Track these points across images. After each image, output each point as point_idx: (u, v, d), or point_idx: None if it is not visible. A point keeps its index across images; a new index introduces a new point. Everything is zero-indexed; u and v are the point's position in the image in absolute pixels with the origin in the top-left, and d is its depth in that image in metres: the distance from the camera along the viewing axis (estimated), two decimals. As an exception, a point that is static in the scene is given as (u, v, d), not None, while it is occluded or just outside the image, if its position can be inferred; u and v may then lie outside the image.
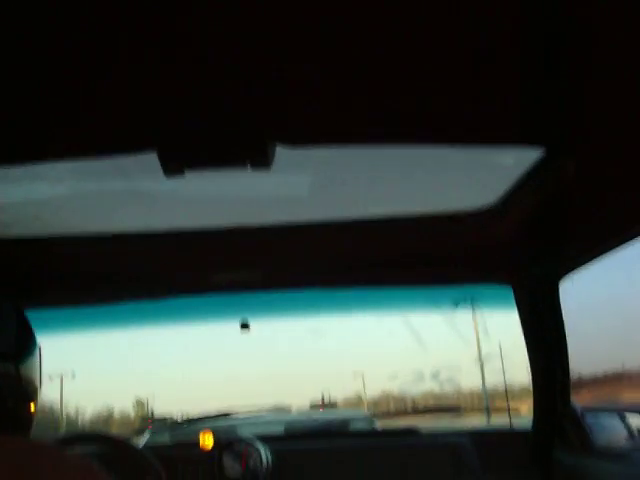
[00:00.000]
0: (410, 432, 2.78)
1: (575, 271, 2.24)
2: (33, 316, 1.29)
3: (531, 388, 2.56)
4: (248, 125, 1.32)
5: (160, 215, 1.94)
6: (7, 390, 1.14)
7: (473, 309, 2.60)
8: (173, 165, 1.38)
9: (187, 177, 1.45)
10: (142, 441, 3.03)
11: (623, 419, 2.57)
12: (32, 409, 1.22)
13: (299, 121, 1.34)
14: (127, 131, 1.34)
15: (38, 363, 1.24)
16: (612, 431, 2.51)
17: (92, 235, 1.94)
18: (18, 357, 1.17)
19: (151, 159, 1.36)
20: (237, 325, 2.58)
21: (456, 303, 2.62)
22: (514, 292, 2.48)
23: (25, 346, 1.21)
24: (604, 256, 2.05)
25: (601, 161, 1.53)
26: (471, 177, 1.83)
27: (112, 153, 1.40)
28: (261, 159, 1.36)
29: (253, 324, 2.60)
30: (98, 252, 2.05)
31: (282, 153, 1.39)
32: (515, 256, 2.31)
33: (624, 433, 2.52)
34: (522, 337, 2.51)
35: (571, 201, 1.80)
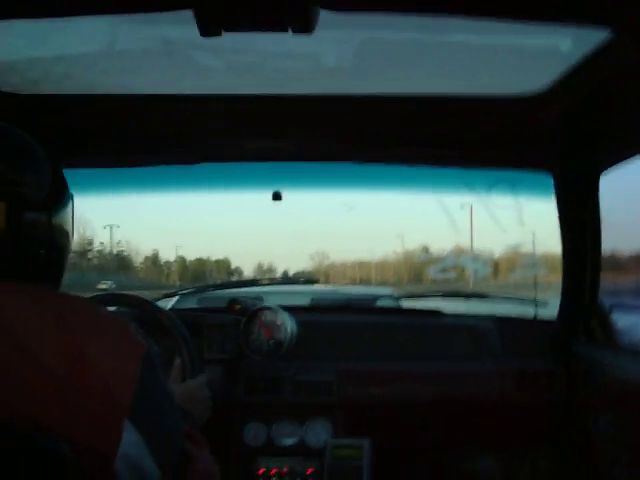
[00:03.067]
0: (435, 313, 2.80)
1: (618, 164, 2.17)
2: (73, 174, 1.28)
3: (560, 280, 2.55)
4: None
5: (196, 79, 1.89)
6: (39, 239, 1.14)
7: (511, 194, 2.55)
8: (211, 24, 1.32)
9: (225, 39, 1.39)
10: (170, 304, 3.09)
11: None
12: (63, 260, 1.22)
13: None
14: None
15: (71, 216, 1.24)
16: (638, 328, 2.51)
17: (126, 95, 1.90)
18: (51, 207, 1.16)
19: (188, 17, 1.30)
20: (269, 195, 2.56)
21: (493, 187, 2.57)
22: (554, 180, 2.43)
23: (58, 197, 1.19)
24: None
25: None
26: (522, 59, 1.77)
27: (149, 9, 1.34)
28: (303, 23, 1.29)
29: (285, 195, 2.58)
30: (131, 113, 2.02)
31: (326, 18, 1.31)
32: (559, 144, 2.26)
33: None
34: (557, 227, 2.48)
35: (621, 90, 1.72)
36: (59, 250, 1.20)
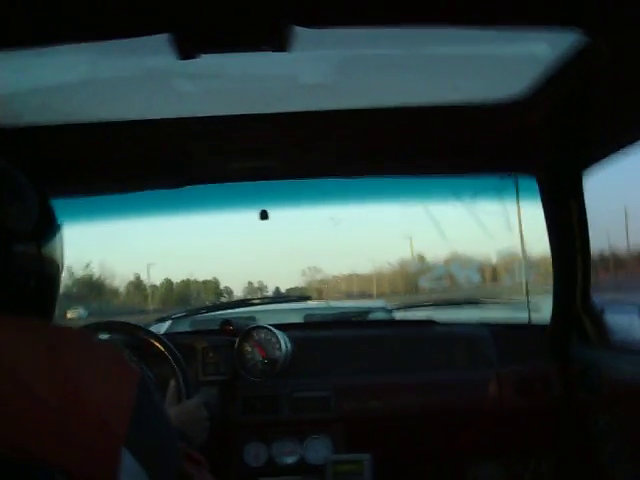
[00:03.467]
0: (428, 323, 2.80)
1: (600, 163, 2.19)
2: (55, 203, 1.28)
3: (551, 281, 2.56)
4: (265, 5, 1.25)
5: (177, 104, 1.90)
6: (28, 271, 1.11)
7: (496, 200, 2.56)
8: (188, 47, 1.32)
9: (203, 63, 1.40)
10: (162, 329, 3.08)
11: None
12: (54, 291, 1.20)
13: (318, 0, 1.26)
14: (141, 12, 1.28)
15: (60, 245, 1.22)
16: (631, 326, 2.51)
17: (106, 122, 1.90)
18: (39, 238, 1.13)
19: (166, 44, 1.30)
20: (256, 215, 2.56)
21: (479, 194, 2.58)
22: (538, 183, 2.44)
23: (47, 227, 1.17)
24: (630, 148, 2.00)
25: (636, 49, 1.46)
26: (501, 67, 1.78)
27: (125, 35, 1.34)
28: (279, 41, 1.30)
29: (272, 213, 2.58)
30: (113, 140, 2.02)
31: (303, 36, 1.32)
32: (541, 146, 2.27)
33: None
34: (544, 230, 2.49)
35: (600, 90, 1.74)
36: (49, 281, 1.17)
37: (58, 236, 1.21)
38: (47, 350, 0.99)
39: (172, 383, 1.95)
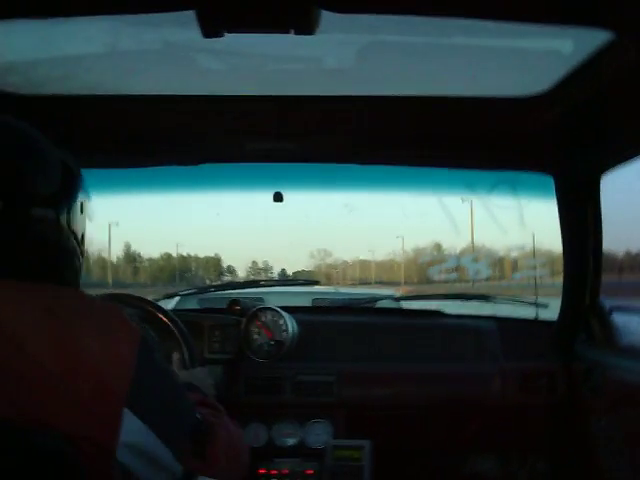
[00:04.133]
0: (436, 313, 2.80)
1: (618, 165, 2.18)
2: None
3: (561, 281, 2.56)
4: None
5: (197, 81, 1.90)
6: (45, 237, 1.12)
7: (511, 196, 2.55)
8: (212, 25, 1.32)
9: (226, 41, 1.39)
10: (171, 305, 3.09)
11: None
12: (72, 261, 1.20)
13: None
14: None
15: (82, 216, 1.22)
16: (638, 329, 2.50)
17: (126, 95, 1.90)
18: (59, 205, 1.14)
19: (190, 19, 1.30)
20: (270, 196, 2.56)
21: (494, 189, 2.57)
22: (555, 182, 2.43)
23: (68, 195, 1.17)
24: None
25: None
26: (523, 61, 1.77)
27: (151, 10, 1.34)
28: (305, 24, 1.29)
29: (287, 196, 2.58)
30: (131, 113, 2.02)
31: (327, 20, 1.31)
32: (559, 145, 2.26)
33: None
34: (558, 229, 2.48)
35: (622, 91, 1.73)
36: (66, 251, 1.17)
37: (80, 207, 1.21)
38: (47, 312, 1.00)
39: (176, 356, 1.96)
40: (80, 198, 1.21)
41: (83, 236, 1.23)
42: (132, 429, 1.00)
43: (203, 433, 1.21)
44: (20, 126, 1.16)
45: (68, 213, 1.16)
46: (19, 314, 0.99)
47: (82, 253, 1.23)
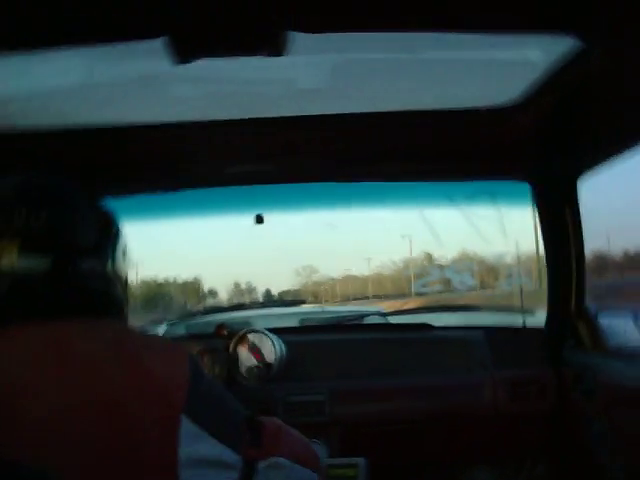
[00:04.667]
0: (424, 327, 2.80)
1: (594, 169, 2.20)
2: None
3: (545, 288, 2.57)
4: (261, 10, 1.25)
5: (174, 108, 1.90)
6: (97, 286, 1.22)
7: (490, 205, 2.57)
8: (183, 51, 1.32)
9: (200, 68, 1.40)
10: (159, 332, 3.08)
11: (637, 320, 2.57)
12: (124, 305, 1.32)
13: (315, 5, 1.26)
14: (138, 15, 1.28)
15: (123, 259, 1.32)
16: (625, 332, 2.52)
17: (102, 126, 1.90)
18: (104, 253, 1.25)
19: (162, 48, 1.31)
20: (251, 219, 2.56)
21: (472, 199, 2.59)
22: (532, 189, 2.45)
23: (110, 242, 1.28)
24: (624, 155, 2.00)
25: (631, 54, 1.46)
26: (494, 72, 1.79)
27: (122, 39, 1.34)
28: (276, 46, 1.31)
29: (268, 218, 2.58)
30: (109, 144, 2.02)
31: (299, 40, 1.32)
32: (534, 153, 2.28)
33: (638, 334, 2.52)
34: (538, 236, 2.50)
35: (594, 96, 1.75)
36: (114, 298, 1.27)
37: (122, 253, 1.32)
38: (113, 341, 1.14)
39: None
40: (121, 244, 1.32)
41: (126, 280, 1.35)
42: (189, 433, 1.10)
43: (257, 423, 1.33)
44: (56, 181, 1.24)
45: (112, 261, 1.27)
46: (91, 343, 1.12)
47: (127, 298, 1.35)
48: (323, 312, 4.56)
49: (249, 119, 1.91)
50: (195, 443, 1.12)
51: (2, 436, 1.00)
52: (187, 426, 1.11)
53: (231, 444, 1.21)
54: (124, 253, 1.33)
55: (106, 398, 1.06)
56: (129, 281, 1.37)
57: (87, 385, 1.06)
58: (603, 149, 2.05)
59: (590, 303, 2.45)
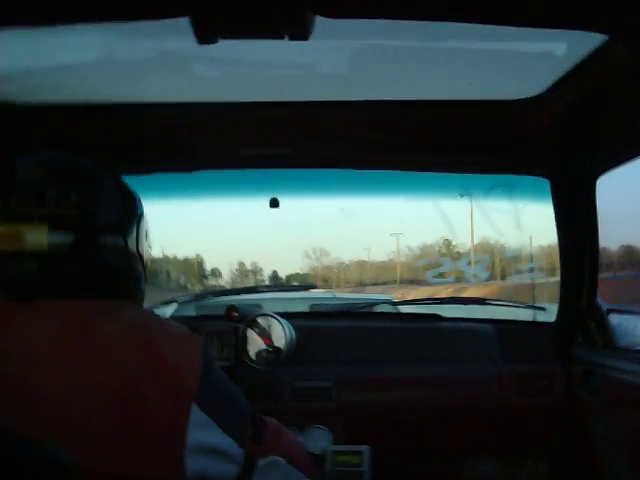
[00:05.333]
0: (433, 317, 2.80)
1: (614, 167, 2.18)
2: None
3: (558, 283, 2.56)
4: None
5: (193, 88, 1.90)
6: (118, 262, 1.26)
7: (509, 198, 2.56)
8: (207, 32, 1.32)
9: (221, 48, 1.40)
10: (168, 312, 3.08)
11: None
12: (143, 282, 1.35)
13: None
14: None
15: (145, 239, 1.35)
16: (635, 330, 2.51)
17: (121, 103, 1.90)
18: (126, 229, 1.27)
19: (185, 27, 1.30)
20: (266, 202, 2.56)
21: (491, 192, 2.58)
22: (551, 185, 2.44)
23: (131, 217, 1.30)
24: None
25: None
26: (517, 64, 1.77)
27: (144, 17, 1.34)
28: (299, 29, 1.29)
29: (283, 202, 2.58)
30: (127, 121, 2.02)
31: (321, 25, 1.32)
32: (555, 148, 2.26)
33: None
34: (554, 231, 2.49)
35: (616, 93, 1.73)
36: (135, 274, 1.31)
37: (145, 233, 1.35)
38: (130, 324, 1.17)
39: None
40: (144, 224, 1.34)
41: (146, 262, 1.37)
42: (198, 420, 1.13)
43: (260, 422, 1.38)
44: (75, 159, 1.27)
45: (135, 237, 1.30)
46: (108, 325, 1.14)
47: (146, 278, 1.38)
48: (334, 298, 4.56)
49: (267, 102, 1.90)
50: (202, 431, 1.14)
51: (16, 410, 1.02)
52: (197, 414, 1.13)
53: (235, 437, 1.23)
54: (146, 232, 1.35)
55: (120, 379, 1.08)
56: (149, 260, 1.39)
57: (103, 365, 1.09)
58: (624, 147, 2.03)
59: (601, 301, 2.44)
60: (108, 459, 1.05)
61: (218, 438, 1.19)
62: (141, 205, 1.36)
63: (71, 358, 1.08)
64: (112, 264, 1.24)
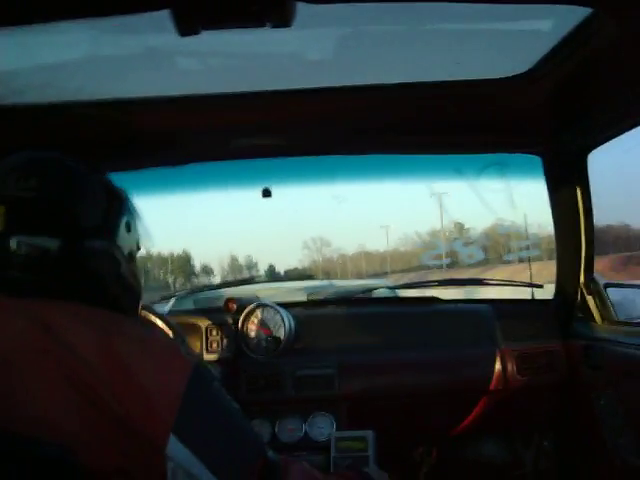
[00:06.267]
0: (432, 300, 2.80)
1: (605, 142, 2.18)
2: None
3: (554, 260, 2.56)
4: None
5: (179, 81, 1.89)
6: (104, 266, 1.19)
7: (500, 178, 2.55)
8: (188, 23, 1.30)
9: (205, 41, 1.38)
10: (167, 307, 3.08)
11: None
12: (133, 282, 1.27)
13: None
14: None
15: (127, 232, 1.27)
16: (633, 305, 2.51)
17: (108, 100, 1.89)
18: (110, 231, 1.21)
19: (167, 20, 1.29)
20: (259, 192, 2.55)
21: (483, 171, 2.57)
22: (543, 162, 2.44)
23: (117, 219, 1.24)
24: (636, 128, 1.99)
25: None
26: (504, 43, 1.76)
27: (125, 11, 1.33)
28: (280, 17, 1.28)
29: (275, 191, 2.57)
30: (114, 118, 2.01)
31: (305, 11, 1.30)
32: (546, 125, 2.26)
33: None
34: (548, 208, 2.49)
35: (605, 68, 1.72)
36: (122, 277, 1.23)
37: (126, 226, 1.27)
38: (104, 334, 1.05)
39: None
40: (125, 218, 1.26)
41: (132, 255, 1.29)
42: (177, 454, 1.01)
43: (273, 473, 1.15)
44: (61, 160, 1.21)
45: (117, 238, 1.22)
46: (84, 336, 1.03)
47: (136, 273, 1.30)
48: (331, 286, 4.56)
49: (255, 92, 1.89)
50: (184, 462, 1.01)
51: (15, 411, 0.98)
52: (176, 447, 1.01)
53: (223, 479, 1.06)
54: (128, 228, 1.27)
55: (87, 393, 0.99)
56: (137, 262, 1.33)
57: (68, 375, 0.99)
58: (615, 122, 2.03)
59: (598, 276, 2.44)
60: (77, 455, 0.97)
61: (200, 475, 1.03)
62: (129, 204, 1.29)
63: (32, 364, 1.00)
64: (92, 267, 1.17)
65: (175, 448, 1.00)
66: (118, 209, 1.25)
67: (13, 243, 1.10)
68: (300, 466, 1.23)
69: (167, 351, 1.12)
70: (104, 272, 1.19)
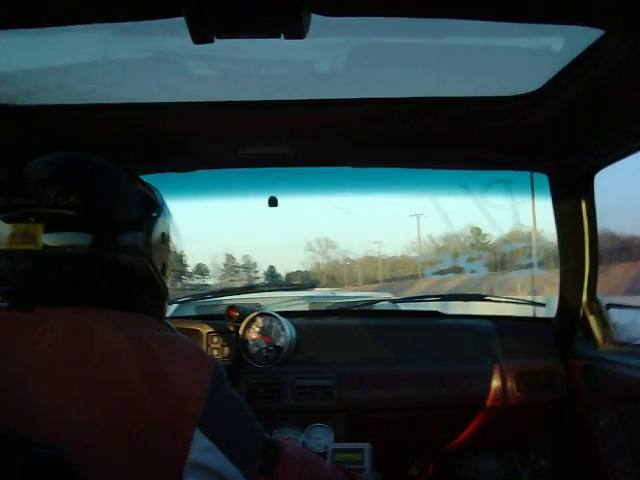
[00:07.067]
0: (433, 314, 2.80)
1: (613, 162, 2.18)
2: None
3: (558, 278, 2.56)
4: None
5: (190, 87, 1.90)
6: (132, 265, 1.22)
7: (507, 195, 2.56)
8: (202, 31, 1.31)
9: (218, 47, 1.39)
10: (168, 313, 3.08)
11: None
12: (160, 287, 1.32)
13: None
14: None
15: (162, 244, 1.30)
16: (635, 325, 2.51)
17: (118, 104, 1.90)
18: (141, 232, 1.23)
19: (181, 26, 1.30)
20: (265, 201, 2.56)
21: (489, 188, 2.58)
22: (550, 180, 2.44)
23: (149, 222, 1.26)
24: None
25: None
26: (514, 60, 1.77)
27: (140, 17, 1.33)
28: (295, 28, 1.29)
29: (281, 200, 2.58)
30: (124, 121, 2.02)
31: (318, 23, 1.31)
32: (553, 144, 2.26)
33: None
34: (553, 226, 2.49)
35: (615, 88, 1.73)
36: (149, 279, 1.27)
37: (162, 238, 1.30)
38: (136, 339, 1.12)
39: None
40: (161, 229, 1.30)
41: (165, 266, 1.32)
42: (201, 446, 1.09)
43: (274, 451, 1.26)
44: (96, 159, 1.25)
45: (149, 242, 1.25)
46: (115, 339, 1.10)
47: (164, 284, 1.33)
48: (333, 297, 4.57)
49: (265, 101, 1.90)
50: (206, 455, 1.10)
51: (11, 424, 1.00)
52: (200, 440, 1.08)
53: (242, 466, 1.16)
54: (164, 240, 1.31)
55: (119, 396, 1.05)
56: (168, 267, 1.35)
57: (105, 379, 1.05)
58: (623, 142, 2.03)
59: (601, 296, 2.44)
60: (102, 473, 1.02)
61: (222, 466, 1.12)
62: (160, 206, 1.32)
63: (70, 370, 1.05)
64: (119, 270, 1.19)
65: (199, 439, 1.08)
66: (152, 213, 1.28)
67: (51, 261, 1.13)
68: (292, 445, 1.36)
69: (193, 351, 1.20)
70: (133, 271, 1.22)
